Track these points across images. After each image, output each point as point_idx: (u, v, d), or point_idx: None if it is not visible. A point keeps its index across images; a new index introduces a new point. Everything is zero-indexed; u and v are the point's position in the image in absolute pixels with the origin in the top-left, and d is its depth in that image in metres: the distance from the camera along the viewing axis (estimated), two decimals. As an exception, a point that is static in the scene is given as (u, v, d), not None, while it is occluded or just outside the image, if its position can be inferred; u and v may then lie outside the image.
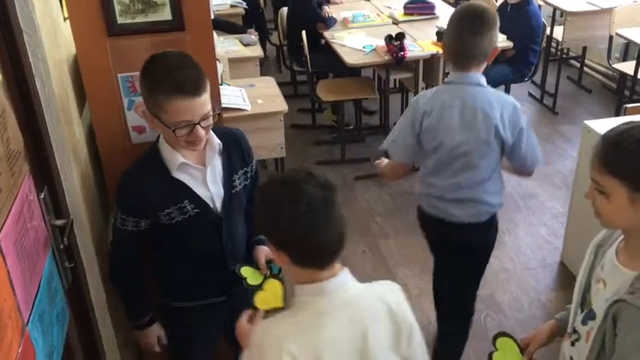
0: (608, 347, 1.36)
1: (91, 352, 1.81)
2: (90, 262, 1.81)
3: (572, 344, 1.54)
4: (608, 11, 4.93)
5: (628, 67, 4.85)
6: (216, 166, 1.87)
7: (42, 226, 1.48)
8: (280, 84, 3.83)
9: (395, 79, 5.19)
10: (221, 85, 3.13)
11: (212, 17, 2.70)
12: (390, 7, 5.10)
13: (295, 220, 1.27)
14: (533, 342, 1.66)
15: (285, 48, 5.32)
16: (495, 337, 1.69)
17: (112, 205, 2.10)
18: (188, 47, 1.96)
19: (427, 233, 2.53)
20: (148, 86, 1.70)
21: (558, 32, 5.32)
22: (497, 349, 1.66)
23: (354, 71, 4.77)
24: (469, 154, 2.19)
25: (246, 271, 1.91)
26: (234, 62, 4.00)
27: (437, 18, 4.78)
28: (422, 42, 4.24)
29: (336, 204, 1.30)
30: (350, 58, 4.14)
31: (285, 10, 5.13)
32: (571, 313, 1.57)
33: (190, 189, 1.83)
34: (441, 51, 3.98)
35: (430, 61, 4.10)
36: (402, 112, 5.08)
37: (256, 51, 4.38)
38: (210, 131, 1.79)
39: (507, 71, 4.56)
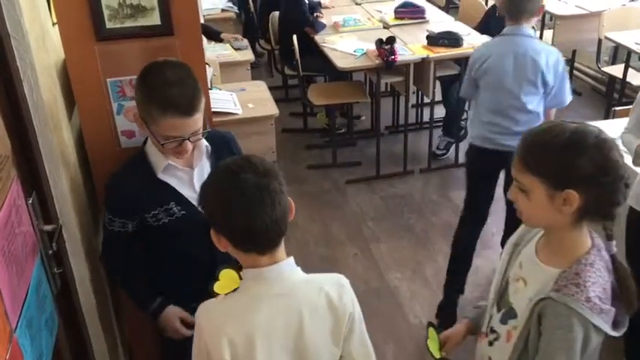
0: (531, 346, 1.36)
1: (80, 358, 1.81)
2: (79, 267, 1.80)
3: (490, 344, 1.53)
4: (597, 15, 4.97)
5: (617, 70, 4.88)
6: (204, 168, 1.87)
7: (30, 231, 1.47)
8: (271, 88, 3.82)
9: (386, 83, 5.21)
10: (211, 89, 3.12)
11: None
12: (380, 12, 5.11)
13: (227, 204, 1.31)
14: (449, 342, 1.67)
15: (276, 52, 5.32)
16: (427, 326, 1.73)
17: (101, 209, 2.09)
18: (177, 52, 1.97)
19: (478, 167, 2.97)
20: (144, 94, 1.70)
21: (548, 36, 5.35)
22: (428, 337, 1.70)
23: (346, 75, 4.78)
24: (519, 94, 2.71)
25: (225, 274, 1.83)
26: (225, 66, 3.98)
27: (427, 22, 4.78)
28: (412, 46, 4.25)
29: (272, 190, 1.31)
30: (341, 62, 4.14)
31: (276, 14, 5.14)
32: (487, 313, 1.57)
33: (176, 190, 1.84)
34: (431, 55, 4.08)
35: (421, 65, 4.11)
36: (393, 115, 5.15)
37: (247, 55, 4.38)
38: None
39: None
